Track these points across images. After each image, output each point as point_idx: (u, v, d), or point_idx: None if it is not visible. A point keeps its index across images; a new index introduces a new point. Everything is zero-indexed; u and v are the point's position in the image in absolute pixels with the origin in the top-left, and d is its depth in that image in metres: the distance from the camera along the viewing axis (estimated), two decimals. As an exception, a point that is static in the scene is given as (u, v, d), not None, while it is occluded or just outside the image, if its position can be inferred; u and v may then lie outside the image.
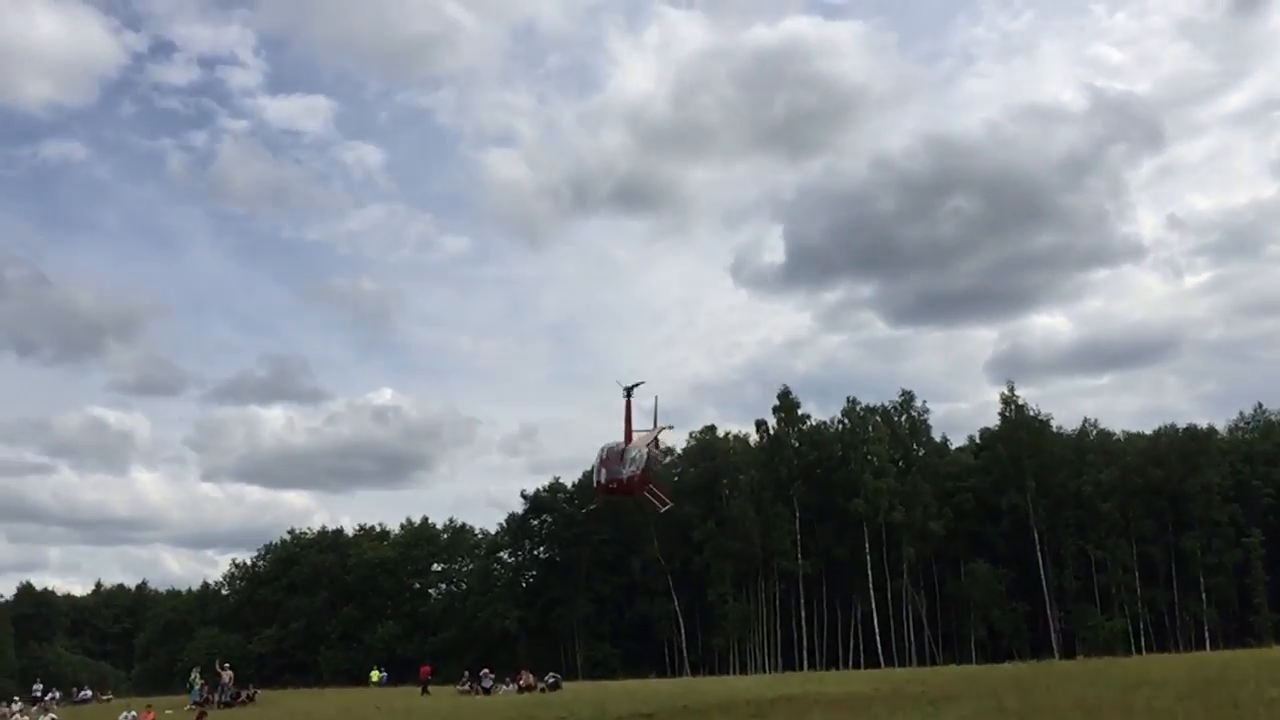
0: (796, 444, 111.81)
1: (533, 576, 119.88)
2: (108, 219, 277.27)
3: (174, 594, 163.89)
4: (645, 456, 42.96)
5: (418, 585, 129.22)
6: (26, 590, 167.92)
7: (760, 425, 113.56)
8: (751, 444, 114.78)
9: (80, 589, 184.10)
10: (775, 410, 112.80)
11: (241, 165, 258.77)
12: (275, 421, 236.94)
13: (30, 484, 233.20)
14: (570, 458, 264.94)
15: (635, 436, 42.70)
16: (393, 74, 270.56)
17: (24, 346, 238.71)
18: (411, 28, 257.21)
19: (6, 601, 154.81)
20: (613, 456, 41.33)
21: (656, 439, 48.79)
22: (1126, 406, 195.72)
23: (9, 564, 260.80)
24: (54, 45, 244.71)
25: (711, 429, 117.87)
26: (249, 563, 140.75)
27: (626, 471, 41.01)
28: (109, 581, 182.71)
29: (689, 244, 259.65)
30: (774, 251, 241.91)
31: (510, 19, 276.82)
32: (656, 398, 52.32)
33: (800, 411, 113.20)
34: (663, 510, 46.44)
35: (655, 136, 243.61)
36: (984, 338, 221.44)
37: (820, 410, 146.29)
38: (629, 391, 42.79)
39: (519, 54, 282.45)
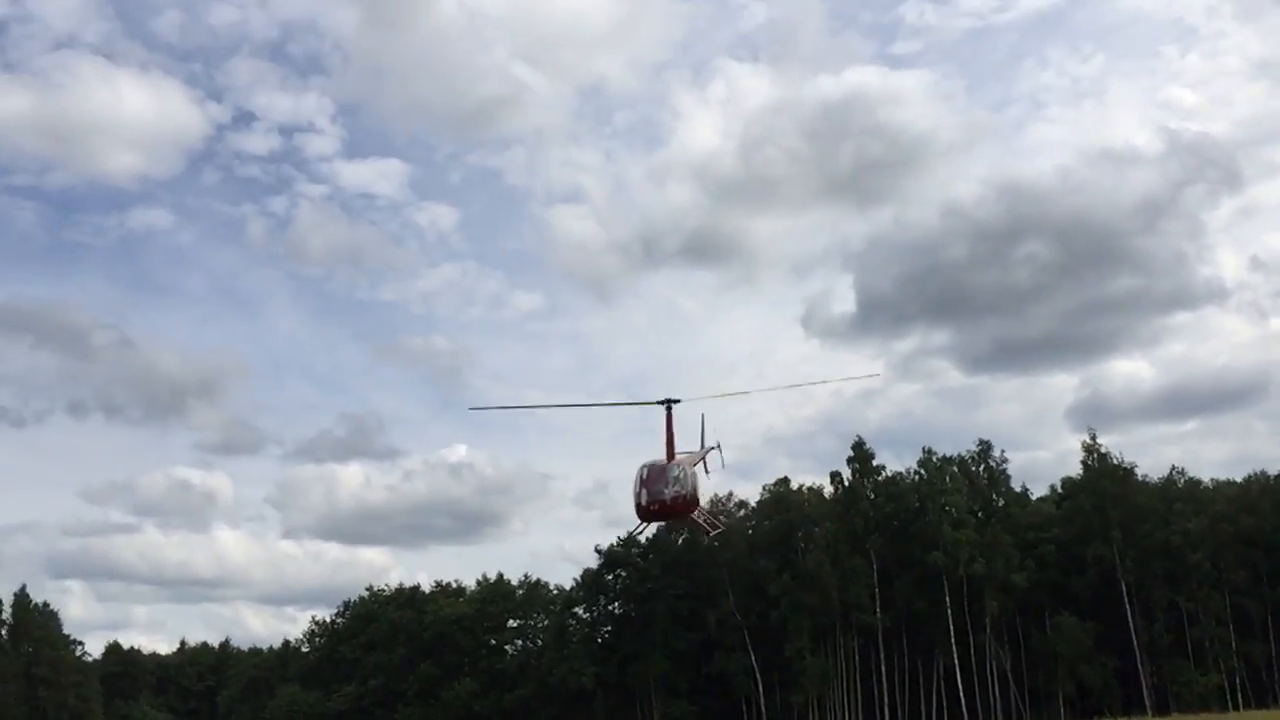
0: (872, 495, 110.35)
1: (608, 632, 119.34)
2: (191, 284, 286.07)
3: (256, 651, 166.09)
4: (691, 476, 40.29)
5: (494, 642, 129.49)
6: (114, 649, 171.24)
7: (835, 477, 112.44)
8: (826, 496, 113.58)
9: (165, 647, 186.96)
10: (849, 461, 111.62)
11: (319, 229, 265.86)
12: (353, 479, 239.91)
13: (117, 543, 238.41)
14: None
15: (679, 456, 40.27)
16: (464, 136, 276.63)
17: (111, 409, 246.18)
18: (481, 90, 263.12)
19: (95, 660, 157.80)
20: (654, 475, 38.57)
21: (704, 460, 46.28)
22: (1214, 453, 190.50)
23: (97, 623, 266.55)
24: (141, 118, 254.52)
25: (785, 481, 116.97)
26: (328, 620, 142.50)
27: (670, 491, 38.30)
28: (193, 639, 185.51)
29: (758, 295, 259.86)
30: (844, 301, 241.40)
31: (577, 79, 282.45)
32: (703, 415, 48.76)
33: (875, 462, 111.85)
34: (712, 534, 44.69)
35: (722, 189, 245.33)
36: (1063, 384, 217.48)
37: (895, 461, 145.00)
38: (668, 407, 40.26)
39: (586, 113, 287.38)
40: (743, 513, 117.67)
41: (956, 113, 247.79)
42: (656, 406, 40.54)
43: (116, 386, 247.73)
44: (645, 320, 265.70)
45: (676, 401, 40.01)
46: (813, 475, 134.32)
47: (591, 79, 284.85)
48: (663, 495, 38.26)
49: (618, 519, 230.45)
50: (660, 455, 39.09)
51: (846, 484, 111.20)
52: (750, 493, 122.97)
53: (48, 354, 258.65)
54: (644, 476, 38.62)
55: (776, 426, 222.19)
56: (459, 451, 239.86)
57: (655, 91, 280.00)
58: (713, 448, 48.88)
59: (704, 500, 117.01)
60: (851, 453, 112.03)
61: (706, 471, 46.51)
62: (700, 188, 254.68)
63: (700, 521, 42.59)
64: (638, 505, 38.80)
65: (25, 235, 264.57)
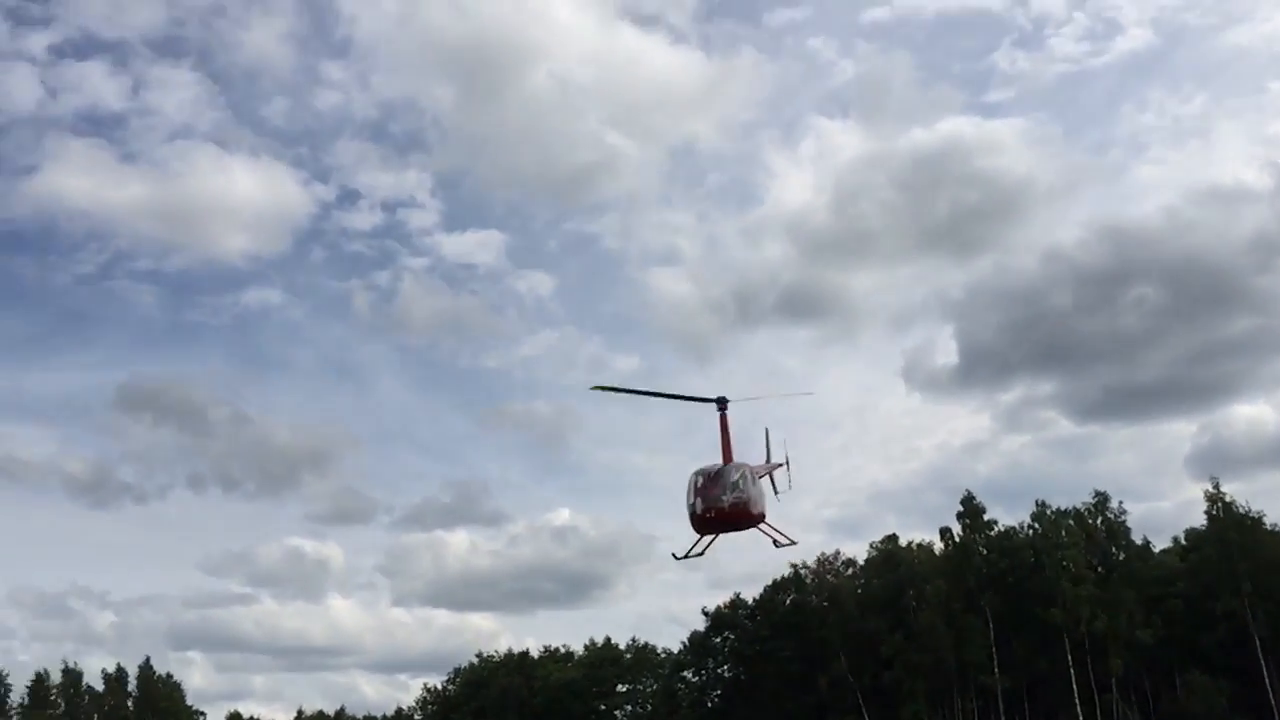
0: (984, 551, 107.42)
1: (717, 696, 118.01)
2: (302, 358, 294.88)
3: (370, 719, 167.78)
4: (752, 481, 37.10)
5: (603, 707, 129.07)
6: (234, 718, 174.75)
7: (945, 533, 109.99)
8: (936, 552, 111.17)
9: (283, 715, 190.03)
10: (959, 516, 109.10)
11: (422, 300, 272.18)
12: (459, 545, 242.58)
13: (236, 614, 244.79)
14: (749, 572, 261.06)
15: (738, 462, 37.29)
16: (559, 204, 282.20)
17: (228, 482, 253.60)
18: (575, 158, 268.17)
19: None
20: (709, 481, 35.56)
21: (771, 476, 43.35)
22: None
23: (218, 693, 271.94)
24: (252, 201, 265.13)
25: (893, 538, 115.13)
26: (440, 687, 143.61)
27: (729, 498, 35.24)
28: (309, 708, 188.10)
29: (858, 350, 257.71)
30: (946, 353, 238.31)
31: (668, 142, 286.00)
32: (767, 431, 46.45)
33: (986, 517, 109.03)
34: (780, 547, 39.26)
35: (817, 245, 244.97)
36: (1181, 431, 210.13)
37: (1007, 515, 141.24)
38: (722, 406, 37.65)
39: (679, 175, 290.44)
40: (851, 571, 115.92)
41: (1054, 157, 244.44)
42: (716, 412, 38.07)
43: (233, 460, 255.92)
44: (745, 379, 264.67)
45: (725, 402, 37.61)
46: (921, 531, 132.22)
47: (682, 141, 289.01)
48: (720, 502, 35.39)
49: (723, 580, 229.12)
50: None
51: (957, 540, 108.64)
52: (857, 551, 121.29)
53: (168, 431, 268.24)
54: (698, 484, 35.87)
55: (881, 481, 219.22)
56: (563, 515, 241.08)
57: (746, 151, 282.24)
58: (780, 464, 45.79)
59: (810, 559, 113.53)
60: (961, 507, 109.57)
61: (775, 492, 43.66)
62: (794, 244, 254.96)
63: (769, 533, 38.46)
64: (692, 515, 35.91)
65: (146, 317, 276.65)
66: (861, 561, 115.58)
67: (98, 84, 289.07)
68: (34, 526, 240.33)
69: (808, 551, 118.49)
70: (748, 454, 39.84)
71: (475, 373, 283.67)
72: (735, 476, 35.79)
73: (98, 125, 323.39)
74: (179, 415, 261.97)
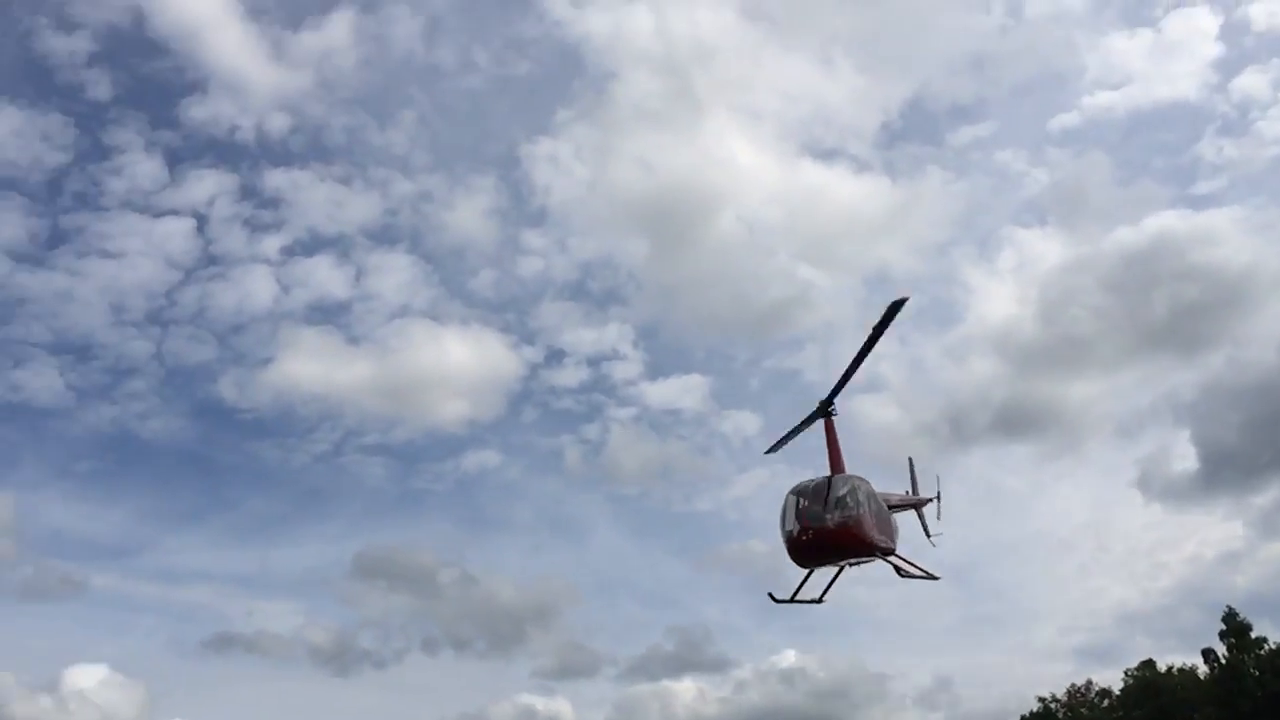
0: (1257, 673, 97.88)
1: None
2: (520, 515, 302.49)
3: None
4: (870, 500, 29.65)
5: None
6: None
7: (1208, 655, 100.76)
8: (1201, 677, 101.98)
9: None
10: (1222, 635, 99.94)
11: (630, 450, 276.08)
12: (687, 694, 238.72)
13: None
14: (992, 708, 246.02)
15: (851, 474, 29.76)
16: (758, 342, 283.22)
17: (459, 643, 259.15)
18: (769, 295, 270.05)
19: None
20: (811, 497, 28.00)
21: (919, 512, 37.26)
22: None
23: None
24: (466, 369, 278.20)
25: (1150, 664, 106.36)
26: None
27: (835, 516, 27.61)
28: None
29: (1084, 463, 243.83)
30: (1184, 458, 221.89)
31: (861, 270, 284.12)
32: (911, 459, 40.43)
33: (1254, 634, 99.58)
34: (906, 576, 31.48)
35: (1027, 358, 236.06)
36: None
37: (1278, 630, 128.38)
38: (828, 416, 31.30)
39: (874, 302, 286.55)
40: (1106, 703, 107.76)
41: (1278, 243, 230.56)
42: (818, 422, 32.39)
43: (462, 621, 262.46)
44: (965, 502, 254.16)
45: (830, 406, 31.19)
46: (1180, 655, 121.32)
47: (875, 268, 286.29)
48: (823, 521, 27.81)
49: (966, 717, 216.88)
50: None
51: (1223, 661, 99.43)
52: (1111, 680, 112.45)
53: (401, 596, 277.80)
54: (799, 505, 28.37)
55: (1129, 602, 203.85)
56: (789, 657, 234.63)
57: (942, 270, 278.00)
58: (930, 499, 39.41)
59: (1060, 691, 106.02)
60: (1223, 625, 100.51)
61: (927, 534, 37.59)
62: (1003, 359, 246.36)
63: (897, 564, 30.92)
64: (789, 540, 28.09)
65: (377, 489, 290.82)
66: (1117, 691, 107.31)
67: (324, 276, 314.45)
68: (283, 697, 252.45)
69: (1056, 683, 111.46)
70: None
71: (689, 517, 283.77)
72: (843, 490, 28.73)
73: (326, 313, 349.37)
74: (410, 580, 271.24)
